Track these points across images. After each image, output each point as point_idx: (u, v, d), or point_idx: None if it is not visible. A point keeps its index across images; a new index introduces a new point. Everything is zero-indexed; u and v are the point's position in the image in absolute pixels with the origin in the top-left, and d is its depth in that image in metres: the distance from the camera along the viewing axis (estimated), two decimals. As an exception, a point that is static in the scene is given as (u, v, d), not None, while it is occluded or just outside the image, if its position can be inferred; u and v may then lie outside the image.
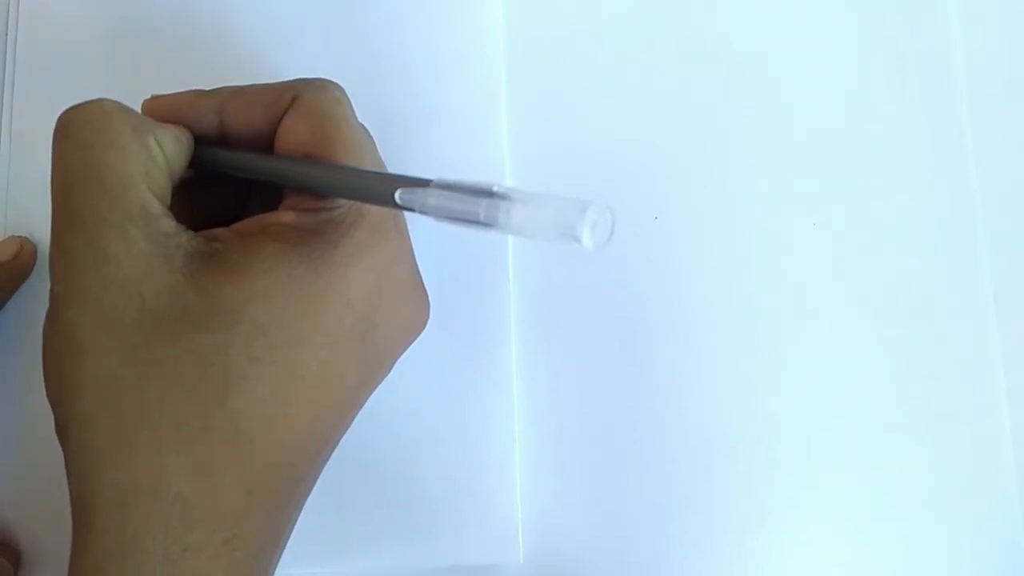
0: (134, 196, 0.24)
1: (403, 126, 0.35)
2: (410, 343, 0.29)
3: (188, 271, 0.24)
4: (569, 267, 0.35)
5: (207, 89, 0.28)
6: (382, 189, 0.24)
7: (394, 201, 0.24)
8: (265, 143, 0.28)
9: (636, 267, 0.35)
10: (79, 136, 0.25)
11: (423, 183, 0.23)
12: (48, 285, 0.25)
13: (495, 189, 0.22)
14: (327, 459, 0.27)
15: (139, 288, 0.24)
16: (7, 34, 0.35)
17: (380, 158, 0.29)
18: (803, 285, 0.35)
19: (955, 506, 0.34)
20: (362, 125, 0.28)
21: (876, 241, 0.35)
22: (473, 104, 0.35)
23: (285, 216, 0.26)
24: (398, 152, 0.35)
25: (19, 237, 0.33)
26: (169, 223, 0.25)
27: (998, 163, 0.36)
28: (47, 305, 0.25)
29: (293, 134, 0.27)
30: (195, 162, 0.28)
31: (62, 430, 0.24)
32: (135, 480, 0.23)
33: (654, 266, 0.35)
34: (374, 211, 0.27)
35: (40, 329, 0.25)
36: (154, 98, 0.28)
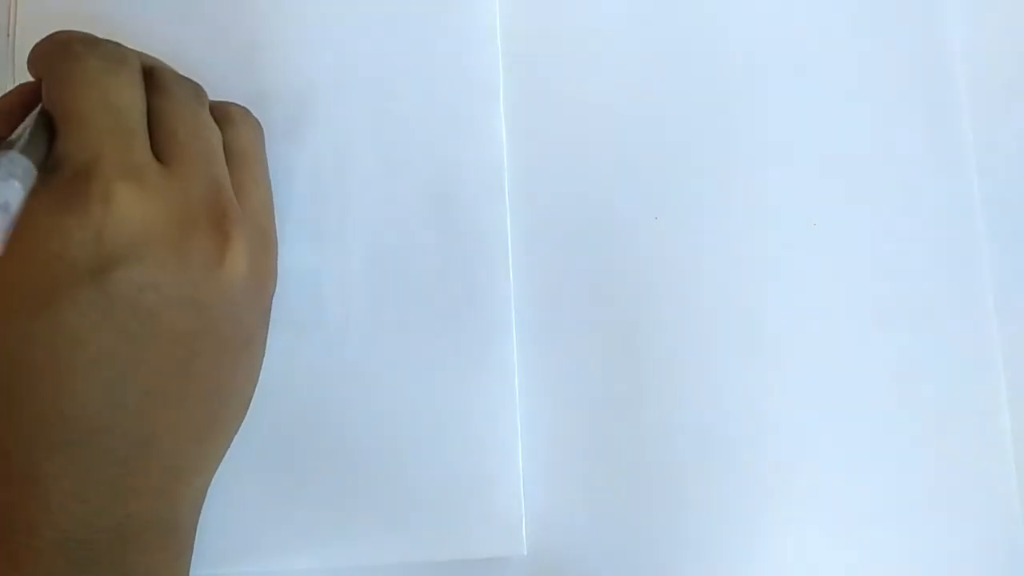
0: None
1: (401, 126, 0.35)
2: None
3: None
4: (570, 266, 0.35)
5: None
6: None
7: None
8: None
9: (636, 267, 0.35)
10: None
11: None
12: None
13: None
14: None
15: None
16: (7, 34, 0.35)
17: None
18: (803, 285, 0.35)
19: (955, 506, 0.34)
20: (99, 72, 0.27)
21: (876, 241, 0.35)
22: (471, 104, 0.35)
23: None
24: (397, 152, 0.35)
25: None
26: None
27: (998, 163, 0.36)
28: None
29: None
30: None
31: None
32: None
33: (654, 266, 0.35)
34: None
35: None
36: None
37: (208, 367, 0.28)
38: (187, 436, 0.28)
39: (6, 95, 0.29)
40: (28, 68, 0.29)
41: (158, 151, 0.27)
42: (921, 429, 0.34)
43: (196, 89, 0.30)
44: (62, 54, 0.27)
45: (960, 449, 0.34)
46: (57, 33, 0.29)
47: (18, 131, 0.26)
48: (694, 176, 0.35)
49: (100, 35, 0.35)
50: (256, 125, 0.32)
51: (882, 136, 0.36)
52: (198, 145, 0.28)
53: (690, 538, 0.33)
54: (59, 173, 0.25)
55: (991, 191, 0.36)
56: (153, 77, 0.29)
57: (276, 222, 0.32)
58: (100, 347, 0.25)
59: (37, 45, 0.28)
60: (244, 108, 0.32)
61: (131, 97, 0.27)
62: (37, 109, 0.28)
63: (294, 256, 0.33)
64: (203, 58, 0.35)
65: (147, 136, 0.27)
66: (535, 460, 0.33)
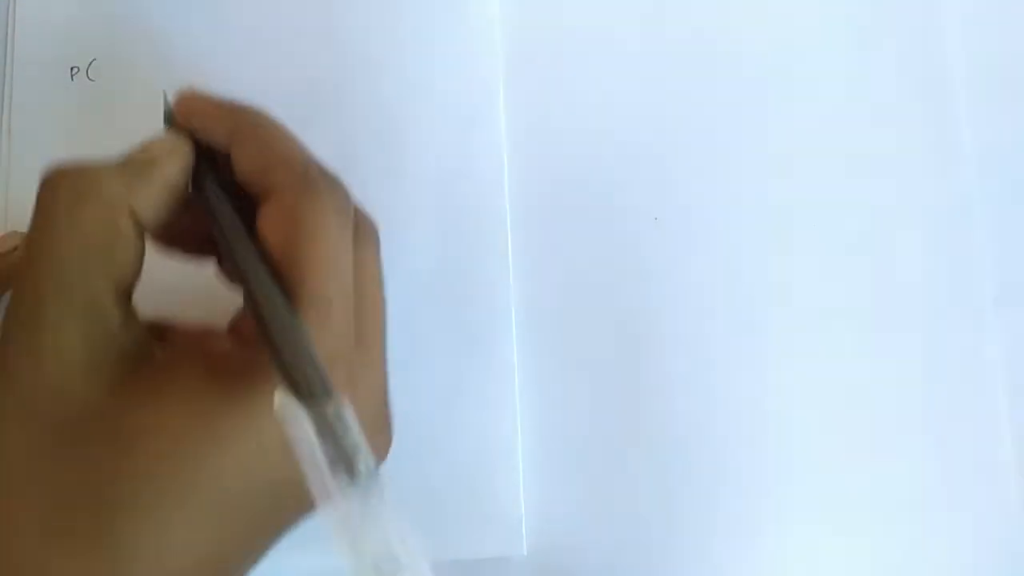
0: (82, 290, 0.23)
1: (401, 126, 0.35)
2: None
3: (114, 378, 0.23)
4: (570, 266, 0.35)
5: (239, 105, 0.26)
6: (298, 375, 0.21)
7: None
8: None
9: (636, 267, 0.35)
10: (49, 207, 0.24)
11: (323, 399, 0.21)
12: None
13: (362, 476, 0.20)
14: None
15: (59, 390, 0.23)
16: (7, 34, 0.35)
17: (348, 275, 0.25)
18: (803, 285, 0.35)
19: (955, 506, 0.34)
20: (344, 238, 0.25)
21: (876, 241, 0.35)
22: (471, 104, 0.35)
23: (223, 343, 0.24)
24: (396, 152, 0.35)
25: (20, 233, 0.33)
26: (115, 318, 0.24)
27: (998, 163, 0.36)
28: None
29: (267, 228, 0.24)
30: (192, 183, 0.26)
31: None
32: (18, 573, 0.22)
33: (654, 266, 0.35)
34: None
35: None
36: (190, 95, 0.27)
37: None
38: None
39: (167, 165, 0.25)
40: (197, 125, 0.26)
41: (357, 326, 0.25)
42: (921, 429, 0.34)
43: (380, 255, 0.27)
44: (305, 189, 0.24)
45: (960, 449, 0.34)
46: (275, 127, 0.26)
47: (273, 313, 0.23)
48: (694, 176, 0.35)
49: (99, 35, 0.35)
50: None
51: (882, 136, 0.36)
52: (385, 332, 0.26)
53: (690, 538, 0.33)
54: None
55: (991, 191, 0.36)
56: (358, 231, 0.26)
57: None
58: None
59: (226, 110, 0.26)
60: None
61: (351, 272, 0.24)
62: (250, 247, 0.24)
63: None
64: (203, 58, 0.35)
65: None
66: (535, 460, 0.33)
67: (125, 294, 0.24)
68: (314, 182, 0.24)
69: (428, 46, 0.35)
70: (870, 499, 0.34)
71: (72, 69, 0.35)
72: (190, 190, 0.26)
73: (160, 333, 0.26)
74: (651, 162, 0.35)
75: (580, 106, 0.36)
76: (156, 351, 0.24)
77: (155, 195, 0.24)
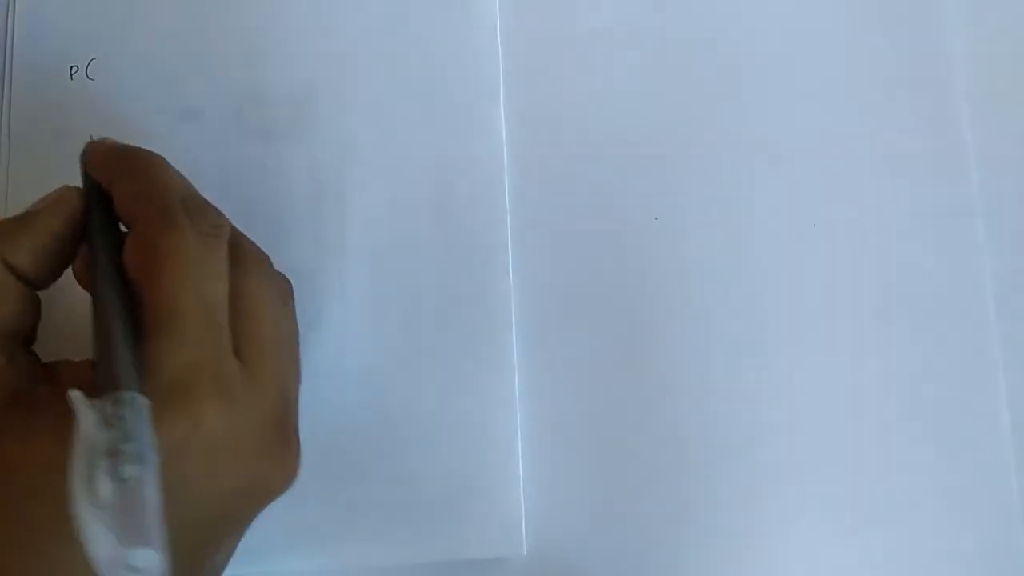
0: None
1: (401, 126, 0.35)
2: (252, 506, 0.27)
3: None
4: (570, 266, 0.35)
5: (130, 149, 0.28)
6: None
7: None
8: None
9: (636, 267, 0.35)
10: None
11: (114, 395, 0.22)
12: None
13: (126, 472, 0.21)
14: None
15: None
16: (6, 34, 0.35)
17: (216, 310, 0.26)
18: (803, 285, 0.35)
19: (955, 506, 0.34)
20: (206, 261, 0.26)
21: (876, 241, 0.35)
22: (471, 104, 0.35)
23: (75, 393, 0.25)
24: (397, 152, 0.35)
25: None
26: None
27: (998, 163, 0.36)
28: None
29: (128, 255, 0.26)
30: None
31: None
32: None
33: (654, 266, 0.35)
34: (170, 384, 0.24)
35: None
36: (96, 143, 0.28)
37: (220, 553, 0.27)
38: None
39: (42, 214, 0.27)
40: (91, 170, 0.28)
41: (238, 345, 0.26)
42: (921, 429, 0.34)
43: (281, 282, 0.29)
44: (164, 219, 0.25)
45: (960, 449, 0.34)
46: (149, 164, 0.27)
47: (101, 314, 0.25)
48: (694, 176, 0.35)
49: (99, 35, 0.35)
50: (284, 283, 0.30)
51: (882, 136, 0.36)
52: (275, 343, 0.27)
53: (690, 538, 0.33)
54: (153, 378, 0.24)
55: (991, 191, 0.36)
56: (235, 248, 0.27)
57: (276, 225, 0.32)
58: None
59: (128, 157, 0.27)
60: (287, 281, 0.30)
61: (223, 288, 0.26)
62: (105, 268, 0.26)
63: (295, 255, 0.33)
64: (203, 58, 0.35)
65: (229, 329, 0.26)
66: (535, 460, 0.33)
67: (8, 338, 0.26)
68: (169, 210, 0.25)
69: (428, 46, 0.35)
70: (870, 499, 0.34)
71: (72, 68, 0.35)
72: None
73: (53, 373, 0.26)
74: (651, 162, 0.35)
75: (580, 106, 0.36)
76: (40, 390, 0.25)
77: (32, 244, 0.26)
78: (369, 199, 0.34)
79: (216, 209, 0.27)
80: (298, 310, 0.32)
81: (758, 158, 0.35)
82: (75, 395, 0.22)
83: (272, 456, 0.26)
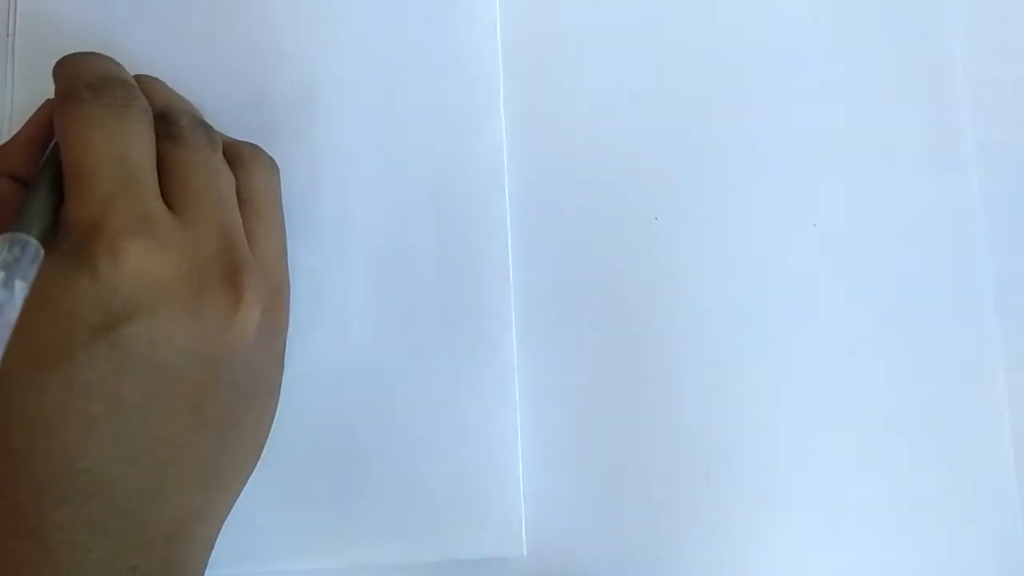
0: None
1: (401, 126, 0.35)
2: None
3: None
4: (570, 266, 0.35)
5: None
6: None
7: None
8: None
9: (636, 267, 0.35)
10: None
11: None
12: None
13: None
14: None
15: None
16: (7, 34, 0.35)
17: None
18: (803, 285, 0.35)
19: (955, 506, 0.34)
20: (109, 126, 0.27)
21: (876, 241, 0.35)
22: (471, 104, 0.35)
23: None
24: (397, 152, 0.35)
25: None
26: None
27: (998, 163, 0.36)
28: None
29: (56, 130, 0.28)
30: None
31: None
32: None
33: (654, 266, 0.35)
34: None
35: None
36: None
37: (218, 417, 0.28)
38: (196, 486, 0.28)
39: (26, 125, 0.30)
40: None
41: (169, 200, 0.27)
42: (921, 430, 0.34)
43: (208, 132, 0.30)
44: (67, 98, 0.27)
45: (960, 450, 0.34)
46: (68, 62, 0.29)
47: (31, 186, 0.27)
48: (694, 176, 0.35)
49: (100, 35, 0.35)
50: (271, 165, 0.32)
51: (882, 136, 0.36)
52: (210, 195, 0.28)
53: (690, 538, 0.33)
54: (69, 231, 0.25)
55: (991, 191, 0.36)
56: (164, 120, 0.29)
57: None
58: (112, 400, 0.25)
59: (56, 65, 0.29)
60: (257, 148, 0.32)
61: (139, 145, 0.27)
62: (48, 150, 0.28)
63: (294, 256, 0.33)
64: (203, 58, 0.35)
65: (157, 185, 0.27)
66: (535, 460, 0.33)
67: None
68: (68, 88, 0.28)
69: (428, 46, 0.35)
70: (870, 499, 0.34)
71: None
72: None
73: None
74: (651, 162, 0.35)
75: (580, 107, 0.36)
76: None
77: (18, 153, 0.29)
78: (369, 199, 0.34)
79: (129, 86, 0.28)
80: (298, 310, 0.32)
81: (758, 158, 0.35)
82: None
83: (219, 300, 0.26)
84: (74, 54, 0.29)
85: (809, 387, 0.34)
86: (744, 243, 0.35)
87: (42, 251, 0.24)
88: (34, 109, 0.35)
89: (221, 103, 0.34)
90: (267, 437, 0.31)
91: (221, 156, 0.30)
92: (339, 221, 0.34)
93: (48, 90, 0.35)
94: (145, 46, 0.35)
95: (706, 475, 0.33)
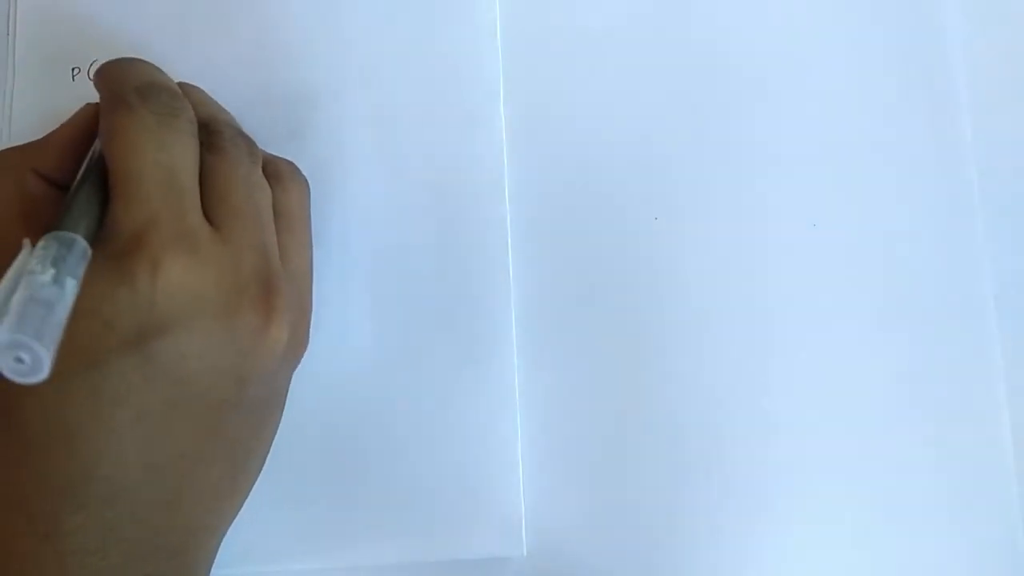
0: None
1: (401, 126, 0.35)
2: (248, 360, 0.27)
3: None
4: (569, 266, 0.35)
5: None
6: None
7: None
8: None
9: (636, 267, 0.35)
10: None
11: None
12: None
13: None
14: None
15: None
16: (8, 34, 0.35)
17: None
18: (803, 285, 0.35)
19: (955, 506, 0.34)
20: (155, 135, 0.27)
21: (876, 241, 0.35)
22: (471, 104, 0.35)
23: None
24: (397, 152, 0.35)
25: None
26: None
27: (998, 163, 0.36)
28: None
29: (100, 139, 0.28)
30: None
31: None
32: None
33: (654, 266, 0.35)
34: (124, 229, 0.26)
35: None
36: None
37: (237, 431, 0.28)
38: (210, 498, 0.28)
39: (63, 126, 0.29)
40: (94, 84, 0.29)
41: (209, 211, 0.27)
42: (921, 430, 0.34)
43: (251, 146, 0.30)
44: (115, 104, 0.27)
45: (960, 450, 0.34)
46: (114, 67, 0.29)
47: (73, 187, 0.27)
48: (694, 176, 0.35)
49: (100, 35, 0.35)
50: (304, 184, 0.32)
51: (882, 136, 0.36)
52: (249, 209, 0.28)
53: (690, 538, 0.33)
54: (112, 238, 0.25)
55: (991, 191, 0.36)
56: (208, 130, 0.29)
57: None
58: (138, 409, 0.25)
59: (100, 69, 0.29)
60: (293, 165, 0.32)
61: (184, 155, 0.27)
62: (93, 152, 0.28)
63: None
64: (204, 58, 0.35)
65: (198, 196, 0.27)
66: (535, 460, 0.33)
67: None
68: (118, 93, 0.27)
69: (428, 46, 0.35)
70: (870, 499, 0.34)
71: (73, 70, 0.35)
72: None
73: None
74: (651, 162, 0.35)
75: (580, 107, 0.36)
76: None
77: (52, 153, 0.29)
78: (369, 199, 0.34)
79: (176, 94, 0.29)
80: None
81: (758, 158, 0.35)
82: (26, 240, 0.23)
83: (252, 319, 0.26)
84: (119, 59, 0.29)
85: (809, 387, 0.34)
86: (744, 243, 0.35)
87: (89, 250, 0.24)
88: (34, 109, 0.35)
89: (222, 103, 0.34)
90: (270, 448, 0.31)
91: (260, 171, 0.30)
92: (339, 221, 0.34)
93: (49, 91, 0.35)
94: (145, 47, 0.35)
95: (706, 475, 0.33)
